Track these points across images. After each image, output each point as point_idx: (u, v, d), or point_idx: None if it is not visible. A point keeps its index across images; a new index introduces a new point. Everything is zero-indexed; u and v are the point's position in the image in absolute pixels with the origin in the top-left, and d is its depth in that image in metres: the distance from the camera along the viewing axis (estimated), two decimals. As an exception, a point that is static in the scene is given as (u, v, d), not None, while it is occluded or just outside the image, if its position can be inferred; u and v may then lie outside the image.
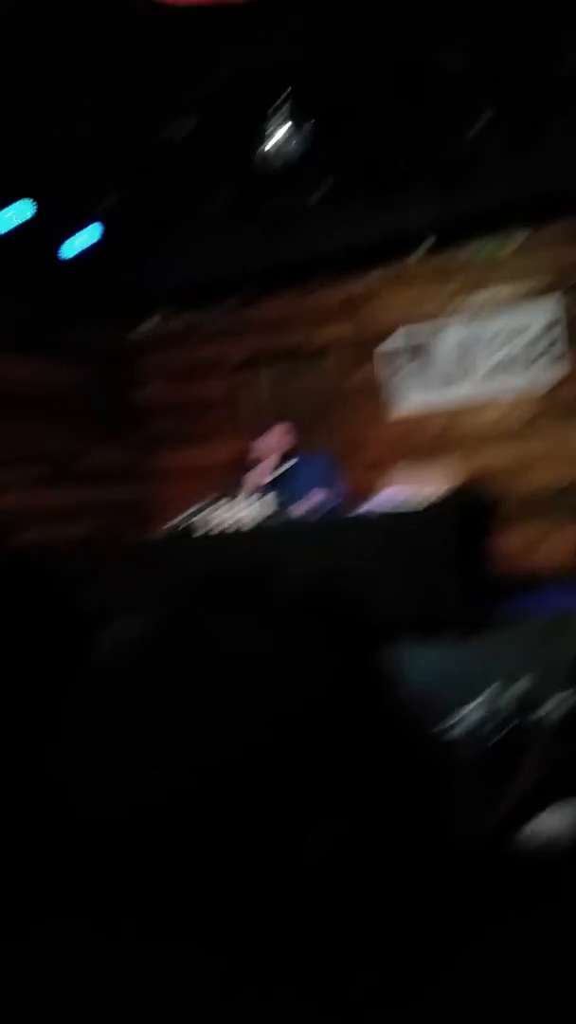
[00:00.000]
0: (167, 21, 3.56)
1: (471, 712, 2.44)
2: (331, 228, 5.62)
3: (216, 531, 4.91)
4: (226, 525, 4.89)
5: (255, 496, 5.03)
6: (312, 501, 5.00)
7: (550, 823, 1.62)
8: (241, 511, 4.89)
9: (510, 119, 4.69)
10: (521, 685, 2.42)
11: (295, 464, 5.26)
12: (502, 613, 4.51)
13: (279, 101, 4.50)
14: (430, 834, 1.09)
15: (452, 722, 2.61)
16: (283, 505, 5.00)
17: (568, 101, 4.55)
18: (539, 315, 5.57)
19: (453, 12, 4.01)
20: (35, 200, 5.07)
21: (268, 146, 4.55)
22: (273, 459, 5.22)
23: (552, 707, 2.50)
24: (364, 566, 4.44)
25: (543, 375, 5.57)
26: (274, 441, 5.26)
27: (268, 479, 5.20)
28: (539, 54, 4.24)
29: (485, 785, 1.71)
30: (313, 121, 4.52)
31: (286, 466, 5.26)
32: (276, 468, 5.23)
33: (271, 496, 5.02)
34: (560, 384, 5.55)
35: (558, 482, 5.58)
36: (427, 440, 5.99)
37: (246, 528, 4.85)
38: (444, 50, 4.22)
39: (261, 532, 4.82)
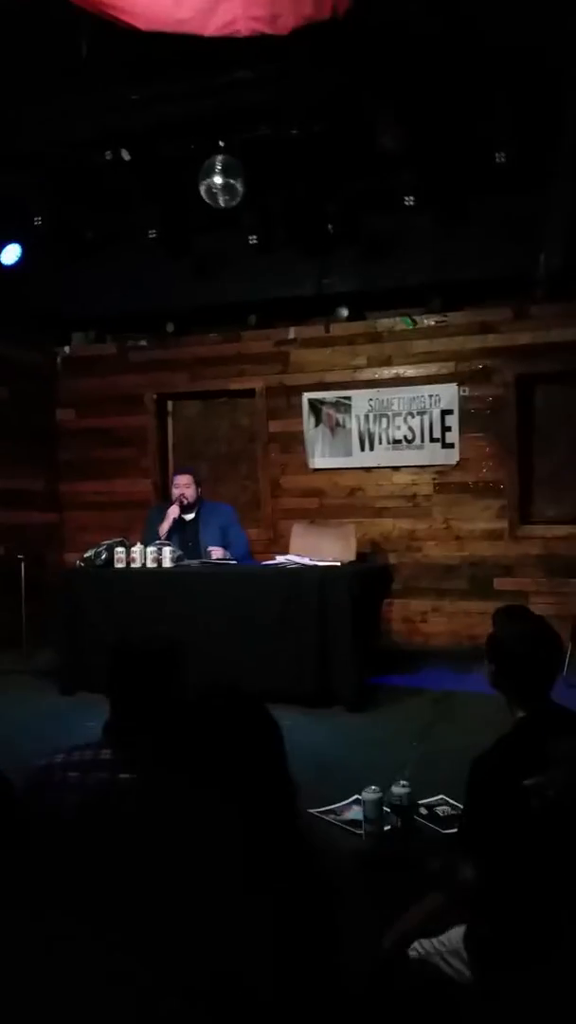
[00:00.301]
0: (116, 46, 3.53)
1: (362, 805, 2.52)
2: (258, 277, 5.74)
3: (122, 570, 4.84)
4: (131, 566, 4.83)
5: (157, 542, 5.00)
6: (212, 551, 5.02)
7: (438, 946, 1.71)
8: (143, 556, 4.83)
9: (435, 204, 4.99)
10: (404, 782, 2.52)
11: (198, 513, 5.28)
12: (388, 686, 4.66)
13: (218, 147, 4.58)
14: (322, 962, 1.15)
15: (341, 811, 2.70)
16: (184, 553, 4.99)
17: (489, 193, 4.89)
18: (438, 400, 5.90)
19: (397, 95, 4.23)
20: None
21: (204, 187, 4.61)
22: (176, 508, 5.21)
23: (437, 807, 2.63)
24: (261, 623, 4.49)
25: (438, 457, 5.89)
26: (179, 490, 5.26)
27: (168, 526, 5.17)
28: (468, 147, 4.54)
29: (374, 904, 1.78)
30: (250, 171, 4.61)
31: (189, 515, 5.26)
32: (179, 516, 5.22)
33: (172, 544, 5.00)
34: (452, 469, 5.87)
35: (447, 559, 5.87)
36: (335, 499, 6.16)
37: (150, 570, 4.80)
38: (384, 128, 4.45)
39: (163, 577, 4.79)
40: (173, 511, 5.22)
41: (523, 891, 1.59)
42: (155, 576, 4.79)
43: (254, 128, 4.60)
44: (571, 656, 4.80)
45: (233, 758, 0.95)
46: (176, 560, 4.86)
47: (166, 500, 5.60)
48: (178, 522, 5.23)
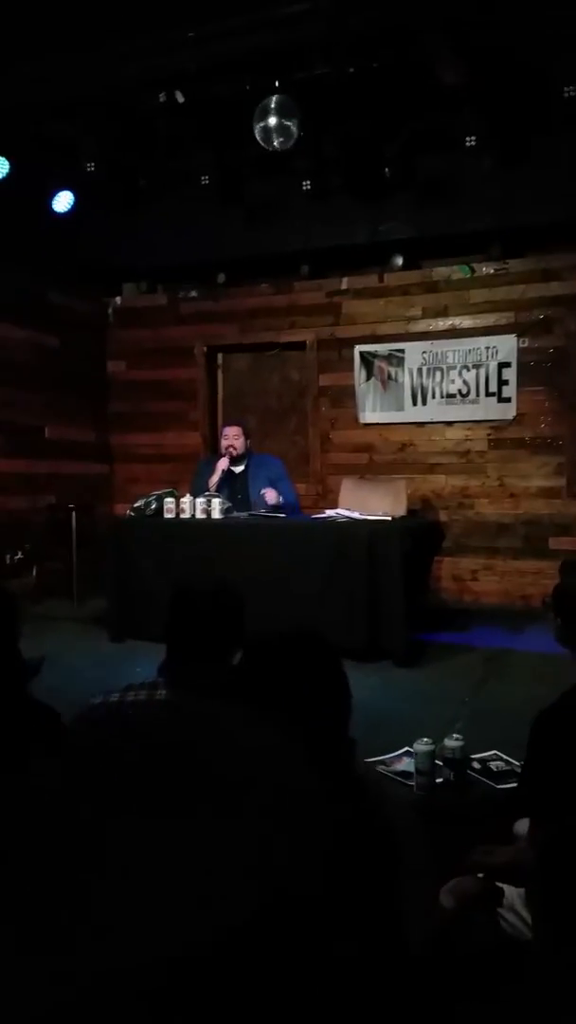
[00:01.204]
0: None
1: (414, 756, 2.50)
2: (311, 224, 5.59)
3: (171, 521, 4.86)
4: (181, 517, 4.84)
5: (207, 494, 4.99)
6: (262, 503, 5.00)
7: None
8: (192, 507, 4.84)
9: (496, 144, 4.74)
10: (458, 735, 2.49)
11: (247, 465, 5.25)
12: (438, 643, 4.61)
13: (274, 87, 4.42)
14: (384, 928, 1.12)
15: (391, 762, 2.68)
16: (233, 505, 4.98)
17: (555, 132, 4.63)
18: (496, 352, 5.68)
19: (457, 26, 4.00)
20: (12, 161, 4.85)
21: (259, 128, 4.47)
22: (225, 460, 5.19)
23: (491, 762, 2.59)
24: (310, 576, 4.47)
25: (493, 412, 5.70)
26: (228, 440, 5.23)
27: (218, 478, 5.16)
28: (533, 82, 4.29)
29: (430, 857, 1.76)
30: (305, 112, 4.44)
31: (238, 467, 5.23)
32: (228, 468, 5.20)
33: (221, 495, 4.99)
34: (508, 424, 5.68)
35: (500, 517, 5.74)
36: (385, 454, 6.05)
37: (199, 521, 4.81)
38: (444, 63, 4.22)
39: (212, 529, 4.79)
40: (223, 463, 5.20)
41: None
42: (204, 527, 4.80)
43: (310, 66, 4.42)
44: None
45: (302, 692, 0.92)
46: (225, 512, 4.85)
47: (215, 453, 5.58)
48: (227, 474, 5.21)
